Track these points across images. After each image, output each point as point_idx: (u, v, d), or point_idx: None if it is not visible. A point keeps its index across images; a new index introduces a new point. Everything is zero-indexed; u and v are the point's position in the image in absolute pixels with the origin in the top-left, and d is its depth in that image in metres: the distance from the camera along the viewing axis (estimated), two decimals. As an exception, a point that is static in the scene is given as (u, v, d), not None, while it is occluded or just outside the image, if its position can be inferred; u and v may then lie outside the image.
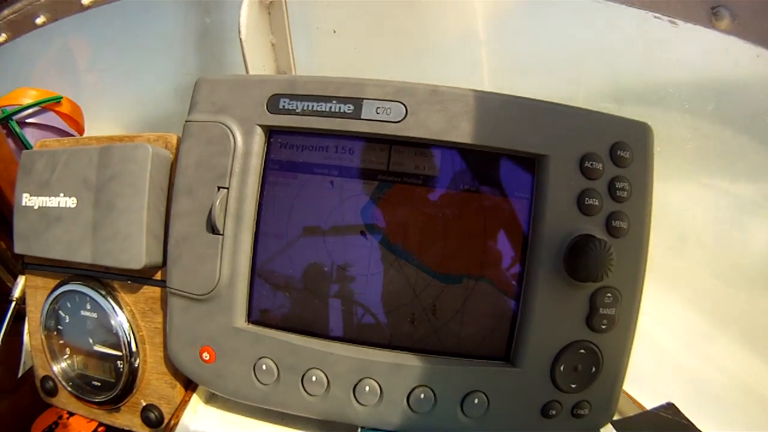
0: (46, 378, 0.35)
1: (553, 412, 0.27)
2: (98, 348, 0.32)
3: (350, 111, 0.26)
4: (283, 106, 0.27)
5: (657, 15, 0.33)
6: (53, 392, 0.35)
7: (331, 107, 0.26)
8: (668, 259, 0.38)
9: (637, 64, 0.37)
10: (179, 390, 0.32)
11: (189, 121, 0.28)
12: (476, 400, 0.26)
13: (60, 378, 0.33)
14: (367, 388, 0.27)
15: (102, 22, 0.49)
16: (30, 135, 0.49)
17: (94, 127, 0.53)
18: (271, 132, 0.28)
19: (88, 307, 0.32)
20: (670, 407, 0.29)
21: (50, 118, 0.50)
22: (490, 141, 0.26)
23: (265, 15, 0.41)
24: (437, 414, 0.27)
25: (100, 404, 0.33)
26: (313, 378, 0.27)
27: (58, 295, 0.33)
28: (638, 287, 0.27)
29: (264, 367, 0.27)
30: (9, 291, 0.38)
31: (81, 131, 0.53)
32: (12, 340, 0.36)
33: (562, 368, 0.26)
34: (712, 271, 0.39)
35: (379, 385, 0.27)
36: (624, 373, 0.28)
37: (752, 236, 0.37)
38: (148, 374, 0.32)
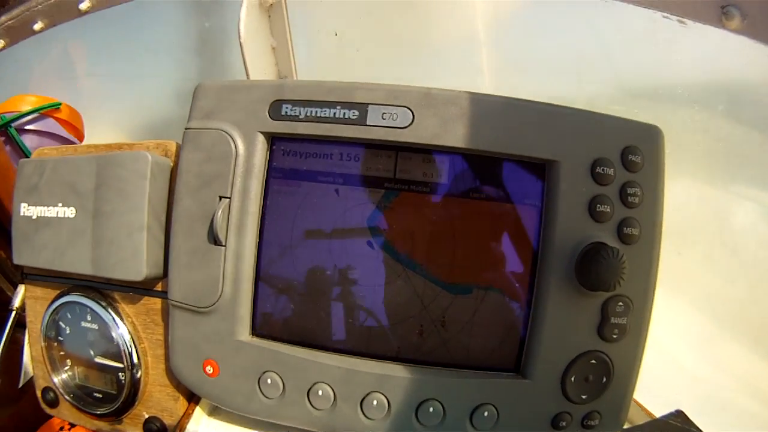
0: (47, 389, 0.34)
1: (564, 424, 0.26)
2: (99, 360, 0.32)
3: (355, 117, 0.25)
4: (286, 112, 0.26)
5: (666, 15, 0.33)
6: (54, 403, 0.34)
7: (335, 113, 0.26)
8: (676, 261, 0.37)
9: (646, 64, 0.36)
10: (182, 402, 0.31)
11: (189, 128, 0.28)
12: (486, 413, 0.26)
13: (61, 389, 0.33)
14: (375, 402, 0.26)
15: (100, 27, 0.48)
16: (29, 142, 0.48)
17: (94, 133, 0.52)
18: (273, 139, 0.27)
19: (89, 318, 0.32)
20: (680, 415, 0.29)
21: (49, 125, 0.49)
22: (499, 147, 0.25)
23: (265, 18, 0.41)
24: (446, 427, 0.26)
25: (101, 416, 0.32)
26: (320, 392, 0.26)
27: (58, 306, 0.32)
28: (650, 295, 0.26)
29: (269, 381, 0.27)
30: (8, 300, 0.37)
31: (80, 137, 0.52)
32: (12, 349, 0.36)
33: (572, 379, 0.26)
34: (720, 273, 0.38)
35: (387, 399, 0.26)
36: (635, 383, 0.27)
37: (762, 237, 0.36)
38: (151, 386, 0.31)
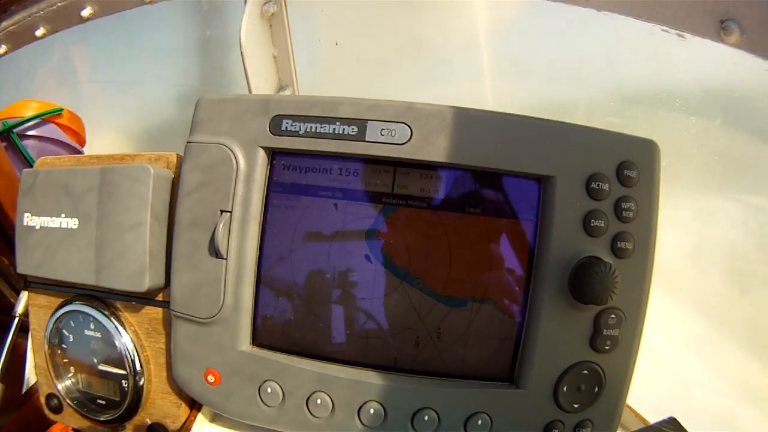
0: (51, 395, 0.35)
1: (556, 432, 0.27)
2: (102, 367, 0.32)
3: (354, 133, 0.26)
4: (286, 127, 0.27)
5: (664, 28, 0.33)
6: (58, 409, 0.35)
7: (334, 129, 0.26)
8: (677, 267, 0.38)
9: (645, 76, 0.37)
10: (184, 409, 0.32)
11: (190, 142, 0.28)
12: (480, 422, 0.26)
13: (65, 396, 0.34)
14: (372, 411, 0.27)
15: (102, 34, 0.49)
16: (31, 147, 0.49)
17: (96, 138, 0.53)
18: (273, 154, 0.27)
19: (92, 326, 0.32)
20: (672, 422, 0.29)
21: (51, 130, 0.50)
22: (495, 162, 0.26)
23: (266, 27, 0.41)
24: (442, 435, 0.27)
25: (105, 422, 0.33)
26: (318, 401, 0.27)
27: (61, 314, 0.33)
28: (642, 307, 0.27)
29: (269, 389, 0.27)
30: (11, 306, 0.38)
31: (82, 142, 0.53)
32: (14, 355, 0.36)
33: (565, 389, 0.26)
34: (718, 278, 0.39)
35: (384, 408, 0.27)
36: (627, 392, 0.28)
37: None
38: (153, 394, 0.32)
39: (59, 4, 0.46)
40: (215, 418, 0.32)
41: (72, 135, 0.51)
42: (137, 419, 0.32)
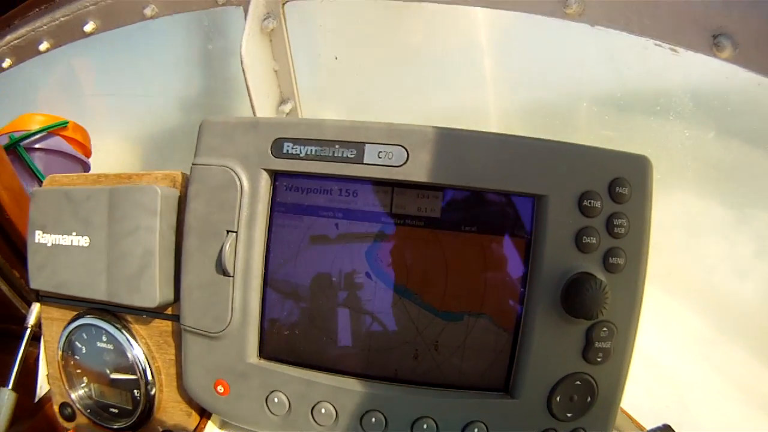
0: (64, 404, 0.36)
1: (550, 439, 0.28)
2: (115, 377, 0.34)
3: (353, 155, 0.27)
4: (287, 150, 0.27)
5: (658, 43, 0.33)
6: (72, 418, 0.36)
7: (333, 152, 0.27)
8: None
9: (638, 89, 0.37)
10: (194, 417, 0.33)
11: (195, 164, 0.29)
12: (476, 430, 0.28)
13: (78, 404, 0.35)
14: (374, 420, 0.28)
15: (105, 48, 0.49)
16: (38, 160, 0.50)
17: (101, 149, 0.54)
18: (276, 175, 0.28)
19: (104, 339, 0.33)
20: (666, 429, 0.31)
21: (57, 143, 0.51)
22: (490, 182, 0.27)
23: (266, 42, 0.42)
24: (440, 443, 0.28)
25: (118, 430, 0.34)
26: (323, 410, 0.28)
27: (74, 327, 0.34)
28: (634, 320, 0.28)
29: (276, 399, 0.29)
30: (22, 317, 0.39)
31: (88, 154, 0.54)
32: (26, 364, 0.38)
33: (558, 399, 0.27)
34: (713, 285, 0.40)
35: (385, 417, 0.28)
36: (619, 401, 0.29)
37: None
38: (165, 402, 0.33)
39: (62, 19, 0.46)
40: (224, 425, 0.33)
41: (78, 147, 0.52)
42: (149, 427, 0.34)
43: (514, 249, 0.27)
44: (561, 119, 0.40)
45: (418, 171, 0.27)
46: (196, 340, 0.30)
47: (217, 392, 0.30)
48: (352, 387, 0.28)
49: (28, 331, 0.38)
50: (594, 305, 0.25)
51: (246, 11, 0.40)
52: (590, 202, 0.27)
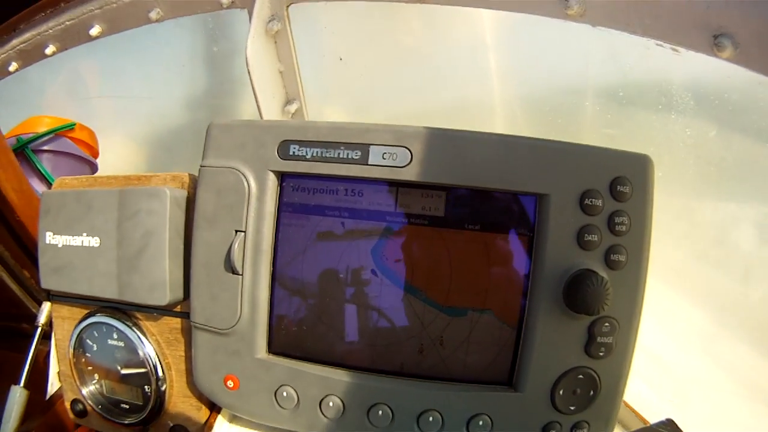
0: (76, 401, 0.37)
1: (554, 432, 0.29)
2: (126, 374, 0.34)
3: (358, 157, 0.27)
4: (293, 152, 0.28)
5: (659, 42, 0.34)
6: (83, 414, 0.37)
7: (339, 153, 0.28)
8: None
9: (639, 89, 0.38)
10: (204, 412, 0.34)
11: (204, 166, 0.30)
12: (481, 422, 0.28)
13: (89, 401, 0.36)
14: (380, 413, 0.29)
15: (111, 51, 0.50)
16: (46, 162, 0.51)
17: (108, 150, 0.54)
18: (283, 176, 0.29)
19: (115, 336, 0.34)
20: (669, 423, 0.31)
21: (65, 144, 0.52)
22: (493, 182, 0.27)
23: (271, 44, 0.42)
24: (445, 435, 0.29)
25: (129, 425, 0.35)
26: (330, 403, 0.29)
27: (85, 326, 0.35)
28: (636, 316, 0.28)
29: (285, 393, 0.29)
30: (33, 316, 0.40)
31: (95, 155, 0.55)
32: (36, 362, 0.38)
33: (561, 392, 0.28)
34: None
35: (391, 410, 0.29)
36: (621, 395, 0.29)
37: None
38: (175, 398, 0.34)
39: (68, 23, 0.47)
40: (234, 419, 0.34)
41: (85, 148, 0.53)
42: (160, 422, 0.34)
43: (517, 246, 0.28)
44: (564, 117, 0.41)
45: (422, 171, 0.27)
46: (205, 337, 0.30)
47: (227, 387, 0.30)
48: (360, 381, 0.29)
49: (39, 329, 0.39)
50: (595, 301, 0.26)
51: (251, 13, 0.40)
52: (592, 201, 0.27)
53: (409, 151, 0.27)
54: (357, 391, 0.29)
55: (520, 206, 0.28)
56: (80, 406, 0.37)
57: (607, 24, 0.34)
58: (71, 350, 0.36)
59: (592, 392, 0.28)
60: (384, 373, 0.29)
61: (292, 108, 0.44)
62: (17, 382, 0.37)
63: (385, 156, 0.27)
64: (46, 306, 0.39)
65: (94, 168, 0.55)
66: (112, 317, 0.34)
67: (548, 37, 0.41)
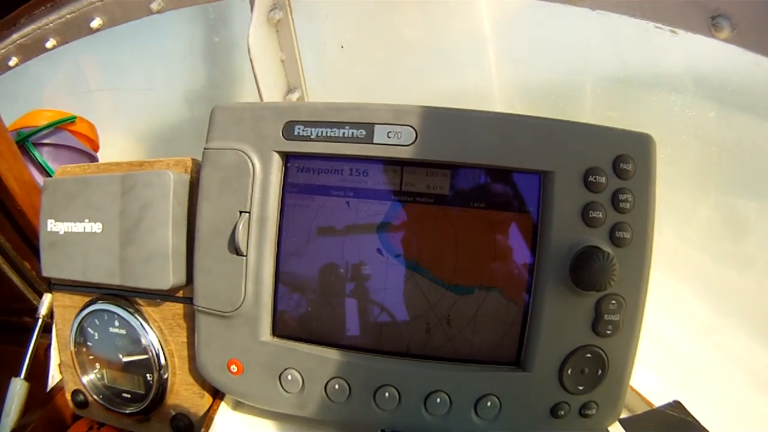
0: (76, 391, 0.37)
1: (562, 413, 0.28)
2: (128, 361, 0.34)
3: (362, 136, 0.27)
4: (298, 132, 0.28)
5: (658, 25, 0.34)
6: (84, 404, 0.37)
7: (344, 132, 0.28)
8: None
9: (640, 71, 0.38)
10: (207, 399, 0.34)
11: (207, 148, 0.30)
12: (489, 403, 0.28)
13: (90, 391, 0.35)
14: (387, 395, 0.28)
15: (112, 43, 0.50)
16: (46, 155, 0.51)
17: (109, 143, 0.54)
18: (287, 157, 0.29)
19: (117, 324, 0.34)
20: (677, 405, 0.31)
21: (65, 138, 0.51)
22: (497, 160, 0.27)
23: (273, 33, 0.42)
24: (452, 417, 0.28)
25: (130, 415, 0.35)
26: (336, 386, 0.29)
27: (87, 314, 0.34)
28: (642, 293, 0.28)
29: (289, 377, 0.29)
30: (33, 308, 0.39)
31: (96, 148, 0.54)
32: (37, 354, 0.38)
33: (569, 371, 0.28)
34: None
35: (398, 391, 0.28)
36: (630, 374, 0.29)
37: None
38: (178, 385, 0.34)
39: (68, 16, 0.47)
40: (237, 406, 0.34)
41: (86, 141, 0.53)
42: (162, 411, 0.34)
43: (523, 224, 0.28)
44: (565, 100, 0.41)
45: (426, 150, 0.27)
46: (209, 321, 0.30)
47: (231, 372, 0.30)
48: (365, 363, 0.28)
49: (40, 321, 0.39)
50: (602, 276, 0.26)
51: (252, 3, 0.40)
52: (595, 178, 0.27)
53: (414, 129, 0.27)
54: (363, 373, 0.28)
55: (524, 184, 0.28)
56: (81, 397, 0.36)
57: (606, 8, 0.34)
58: (72, 339, 0.35)
59: (600, 371, 0.28)
60: (390, 354, 0.29)
61: (294, 96, 0.45)
62: (18, 375, 0.37)
63: (390, 135, 0.27)
64: (47, 297, 0.39)
65: (94, 161, 0.55)
66: (113, 304, 0.33)
67: (548, 20, 0.41)
